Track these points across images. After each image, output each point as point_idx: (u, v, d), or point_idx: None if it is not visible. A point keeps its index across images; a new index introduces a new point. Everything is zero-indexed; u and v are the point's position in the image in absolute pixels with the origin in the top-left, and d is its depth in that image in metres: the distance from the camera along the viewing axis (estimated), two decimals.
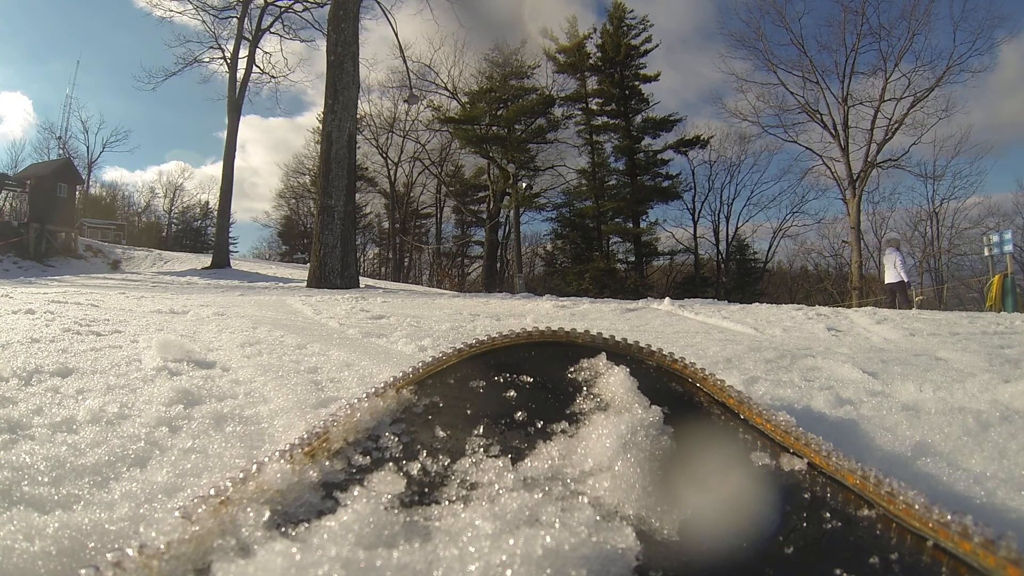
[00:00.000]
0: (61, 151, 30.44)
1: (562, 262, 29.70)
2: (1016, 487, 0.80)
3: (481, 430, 0.72)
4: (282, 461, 0.62)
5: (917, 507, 0.55)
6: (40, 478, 0.80)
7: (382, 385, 0.81)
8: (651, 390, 0.78)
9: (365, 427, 0.72)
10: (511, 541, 0.45)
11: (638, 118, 28.52)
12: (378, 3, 15.21)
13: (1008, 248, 11.57)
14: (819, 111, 24.11)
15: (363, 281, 13.78)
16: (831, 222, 29.19)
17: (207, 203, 40.97)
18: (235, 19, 22.50)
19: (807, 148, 25.36)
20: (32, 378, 1.41)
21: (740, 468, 0.66)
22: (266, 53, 23.80)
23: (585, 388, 0.82)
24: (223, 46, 23.24)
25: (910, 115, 22.73)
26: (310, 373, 1.64)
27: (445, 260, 35.76)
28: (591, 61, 28.51)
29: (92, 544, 0.62)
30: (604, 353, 0.87)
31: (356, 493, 0.57)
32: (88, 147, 36.74)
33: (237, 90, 22.02)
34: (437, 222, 37.49)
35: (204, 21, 22.99)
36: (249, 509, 0.55)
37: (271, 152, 62.11)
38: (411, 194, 36.31)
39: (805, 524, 0.57)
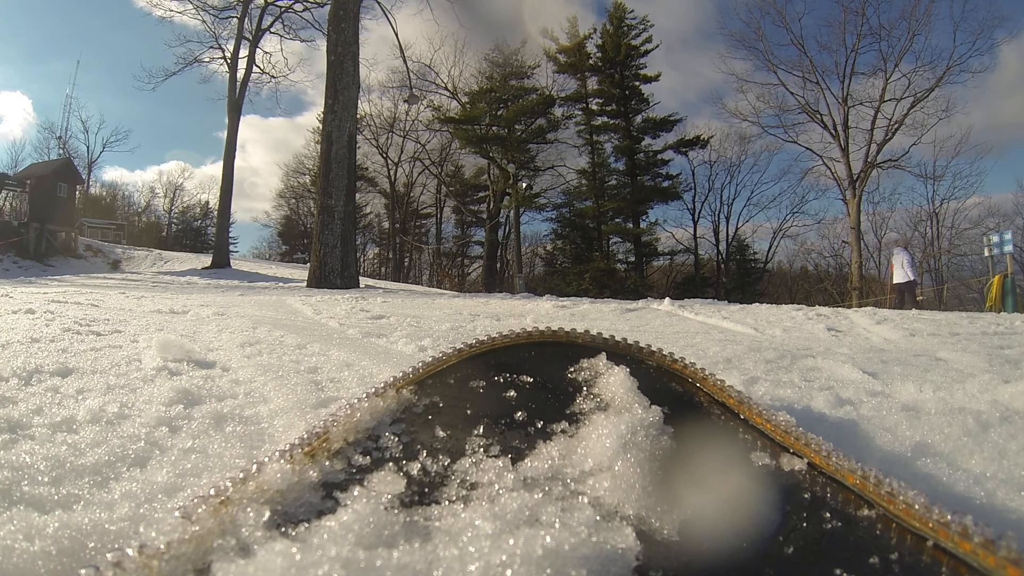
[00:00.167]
0: (61, 151, 30.46)
1: (562, 262, 29.69)
2: (1016, 488, 0.80)
3: (481, 430, 0.72)
4: (282, 461, 0.62)
5: (917, 507, 0.55)
6: (40, 478, 0.80)
7: (382, 385, 0.81)
8: (651, 390, 0.78)
9: (365, 427, 0.72)
10: (511, 541, 0.45)
11: (638, 118, 28.53)
12: (378, 3, 15.23)
13: (1008, 248, 11.57)
14: (819, 111, 24.13)
15: (363, 281, 13.78)
16: (831, 222, 29.24)
17: (207, 203, 41.03)
18: (235, 19, 22.50)
19: (807, 148, 25.39)
20: (32, 378, 1.41)
21: (740, 468, 0.66)
22: (266, 53, 23.83)
23: (585, 388, 0.82)
24: (223, 46, 23.27)
25: (910, 115, 22.75)
26: (310, 373, 1.64)
27: (445, 260, 35.77)
28: (591, 61, 28.51)
29: (92, 544, 0.62)
30: (604, 353, 0.87)
31: (356, 493, 0.57)
32: (88, 147, 36.78)
33: (237, 90, 22.01)
34: (437, 222, 37.52)
35: (204, 21, 23.00)
36: (249, 509, 0.55)
37: (271, 152, 62.19)
38: (411, 194, 36.31)
39: (805, 524, 0.57)
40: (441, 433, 0.72)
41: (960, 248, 25.78)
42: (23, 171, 25.20)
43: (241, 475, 0.59)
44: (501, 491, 0.59)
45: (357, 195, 18.77)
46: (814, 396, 1.36)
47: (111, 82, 58.21)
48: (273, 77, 24.27)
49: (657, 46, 28.35)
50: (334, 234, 11.03)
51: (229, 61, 22.61)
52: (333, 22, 11.67)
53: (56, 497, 0.75)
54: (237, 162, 23.39)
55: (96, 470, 0.84)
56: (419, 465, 0.65)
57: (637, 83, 28.34)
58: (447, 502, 0.59)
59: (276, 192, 40.67)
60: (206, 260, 21.44)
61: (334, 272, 10.91)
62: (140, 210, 42.39)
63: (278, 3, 22.67)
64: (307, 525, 0.53)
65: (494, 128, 27.55)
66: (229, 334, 2.59)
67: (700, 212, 30.73)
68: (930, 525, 0.53)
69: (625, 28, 28.03)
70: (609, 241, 28.90)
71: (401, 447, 0.69)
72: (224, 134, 22.53)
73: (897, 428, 1.08)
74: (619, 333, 0.96)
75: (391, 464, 0.65)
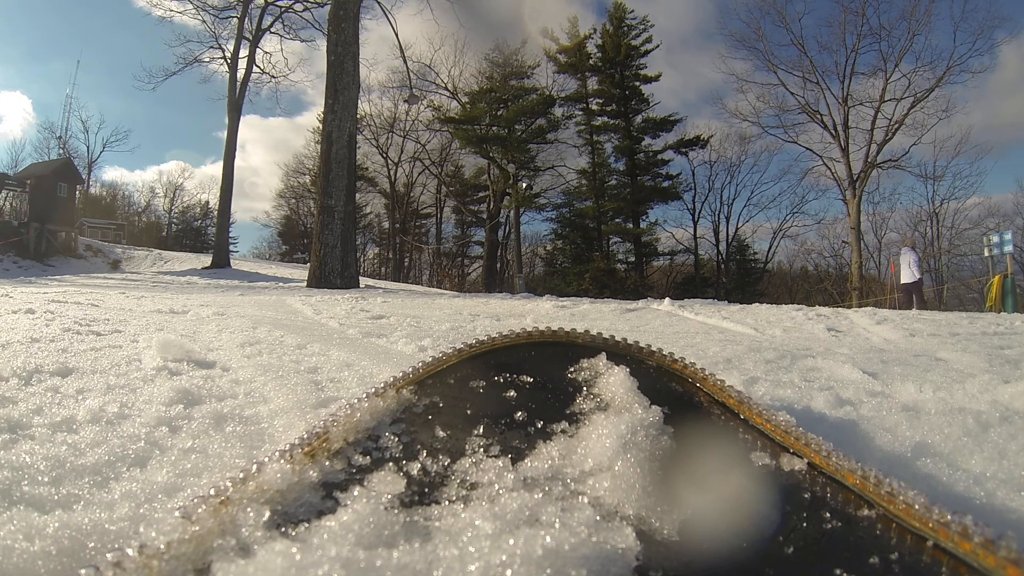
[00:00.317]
0: (61, 151, 30.46)
1: (562, 262, 29.69)
2: (1016, 488, 0.80)
3: (481, 430, 0.72)
4: (282, 461, 0.62)
5: (917, 507, 0.55)
6: (40, 478, 0.80)
7: (382, 385, 0.81)
8: (651, 390, 0.78)
9: (365, 427, 0.72)
10: (511, 541, 0.45)
11: (638, 118, 28.54)
12: (378, 3, 15.23)
13: (1008, 248, 11.57)
14: (819, 111, 24.14)
15: (363, 281, 13.78)
16: (831, 222, 29.23)
17: (207, 203, 41.02)
18: (235, 19, 22.50)
19: (807, 148, 25.40)
20: (32, 378, 1.41)
21: (740, 468, 0.66)
22: (266, 53, 23.83)
23: (585, 388, 0.82)
24: (223, 46, 23.28)
25: (910, 115, 22.75)
26: (310, 373, 1.64)
27: (445, 260, 35.77)
28: (591, 61, 28.51)
29: (92, 544, 0.62)
30: (604, 353, 0.87)
31: (356, 493, 0.57)
32: (88, 147, 36.78)
33: (237, 90, 22.02)
34: (437, 222, 37.52)
35: (204, 21, 23.01)
36: (249, 509, 0.55)
37: (271, 152, 62.19)
38: (411, 194, 36.31)
39: (805, 524, 0.57)
40: (441, 433, 0.72)
41: (960, 248, 25.80)
42: (23, 171, 25.20)
43: (241, 475, 0.59)
44: (501, 491, 0.59)
45: (357, 195, 18.78)
46: (814, 396, 1.36)
47: (111, 82, 58.28)
48: (273, 77, 24.31)
49: (657, 46, 28.40)
50: (334, 234, 11.03)
51: (229, 61, 22.63)
52: (333, 22, 11.68)
53: (56, 497, 0.75)
54: (237, 162, 23.42)
55: (96, 470, 0.84)
56: (419, 465, 0.65)
57: (637, 83, 28.34)
58: (447, 502, 0.59)
59: (276, 192, 40.73)
60: (206, 260, 21.44)
61: (334, 272, 10.91)
62: (140, 210, 42.44)
63: (278, 3, 22.69)
64: (307, 525, 0.53)
65: (494, 128, 27.54)
66: (229, 334, 2.59)
67: (700, 212, 30.78)
68: (930, 525, 0.53)
69: (625, 28, 28.03)
70: (609, 241, 28.91)
71: (401, 447, 0.69)
72: (224, 134, 22.57)
73: (897, 428, 1.08)
74: (619, 333, 0.96)
75: (391, 464, 0.65)
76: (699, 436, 0.73)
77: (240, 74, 22.25)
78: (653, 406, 0.73)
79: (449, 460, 0.66)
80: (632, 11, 28.11)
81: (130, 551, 0.47)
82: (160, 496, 0.76)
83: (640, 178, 28.16)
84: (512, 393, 0.80)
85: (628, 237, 28.46)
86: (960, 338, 3.11)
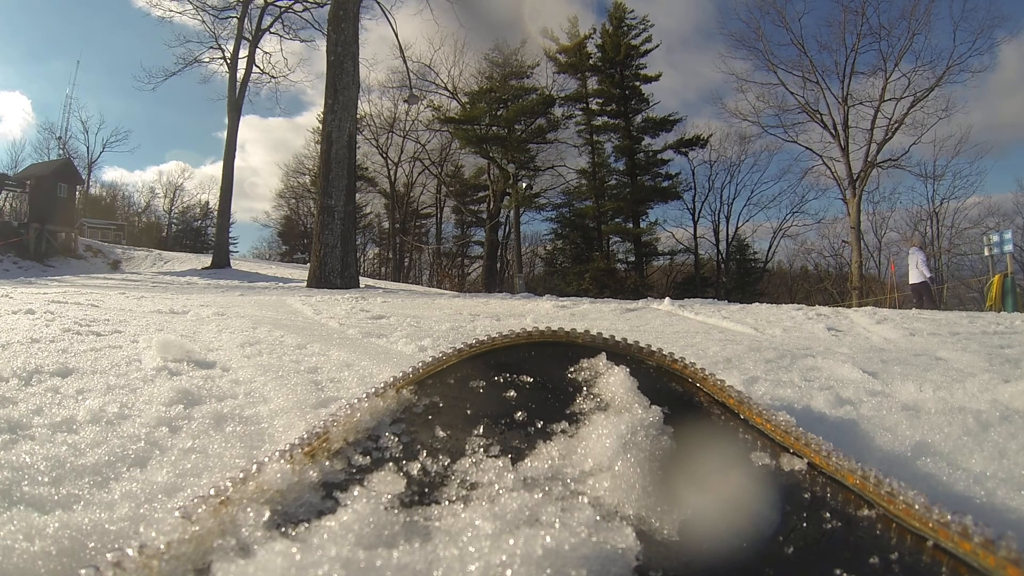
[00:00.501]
0: (61, 151, 30.47)
1: (562, 262, 29.69)
2: (1016, 487, 0.80)
3: (481, 430, 0.72)
4: (282, 461, 0.62)
5: (917, 507, 0.55)
6: (40, 478, 0.80)
7: (382, 385, 0.81)
8: (651, 390, 0.78)
9: (365, 427, 0.72)
10: (511, 541, 0.45)
11: (638, 118, 28.53)
12: (378, 3, 15.23)
13: (1008, 248, 11.57)
14: (819, 111, 24.13)
15: (363, 281, 13.78)
16: (831, 222, 29.23)
17: (207, 203, 41.01)
18: (235, 19, 22.50)
19: (807, 148, 25.39)
20: (32, 378, 1.41)
21: (740, 468, 0.66)
22: (266, 53, 23.83)
23: (585, 388, 0.82)
24: (223, 46, 23.28)
25: (910, 115, 22.75)
26: (310, 373, 1.64)
27: (445, 260, 35.76)
28: (591, 61, 28.51)
29: (92, 544, 0.62)
30: (604, 353, 0.87)
31: (356, 493, 0.57)
32: (88, 147, 36.77)
33: (237, 90, 22.02)
34: (437, 222, 37.51)
35: (204, 21, 23.01)
36: (249, 509, 0.55)
37: (271, 152, 62.16)
38: (411, 194, 36.31)
39: (805, 524, 0.57)
40: (441, 433, 0.72)
41: (960, 247, 25.80)
42: (23, 171, 25.21)
43: (241, 475, 0.59)
44: (501, 491, 0.59)
45: (357, 195, 18.78)
46: (814, 396, 1.36)
47: (111, 82, 58.27)
48: (273, 77, 24.31)
49: (657, 46, 28.40)
50: (334, 234, 11.03)
51: (229, 61, 22.63)
52: (333, 22, 11.68)
53: (56, 497, 0.75)
54: (237, 162, 23.43)
55: (96, 470, 0.84)
56: (419, 465, 0.65)
57: (637, 83, 28.33)
58: (447, 502, 0.59)
59: (276, 192, 40.72)
60: (206, 260, 21.45)
61: (334, 272, 10.91)
62: (140, 210, 42.43)
63: (278, 3, 22.69)
64: (307, 525, 0.53)
65: (494, 128, 27.54)
66: (229, 334, 2.59)
67: (700, 212, 30.78)
68: (930, 525, 0.53)
69: (625, 28, 28.02)
70: (609, 241, 28.90)
71: (401, 447, 0.69)
72: (224, 134, 22.56)
73: (897, 428, 1.08)
74: (619, 333, 0.96)
75: (391, 464, 0.65)
76: (699, 436, 0.73)
77: (240, 74, 22.28)
78: (653, 406, 0.73)
79: (449, 460, 0.66)
80: (632, 11, 28.14)
81: (130, 551, 0.47)
82: (160, 496, 0.76)
83: (640, 178, 28.15)
84: (512, 393, 0.80)
85: (628, 237, 28.46)
86: (960, 337, 3.11)
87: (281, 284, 12.64)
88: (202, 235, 41.53)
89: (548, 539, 0.45)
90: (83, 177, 30.87)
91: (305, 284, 11.28)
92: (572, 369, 0.86)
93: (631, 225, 27.98)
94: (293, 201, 39.12)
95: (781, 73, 24.49)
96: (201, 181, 59.68)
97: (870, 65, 23.75)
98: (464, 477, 0.63)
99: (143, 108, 61.87)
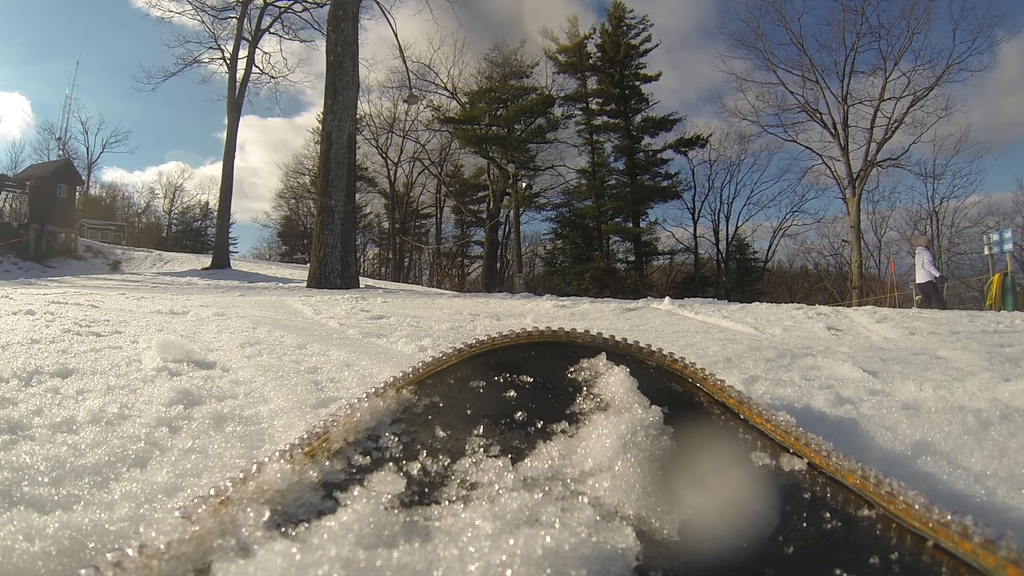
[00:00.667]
0: (61, 152, 30.48)
1: (562, 262, 29.67)
2: (1016, 485, 0.80)
3: (481, 430, 0.72)
4: (282, 461, 0.62)
5: (917, 507, 0.55)
6: (40, 478, 0.80)
7: (382, 385, 0.81)
8: (651, 390, 0.78)
9: (365, 427, 0.72)
10: (511, 541, 0.45)
11: (638, 118, 28.51)
12: (377, 3, 15.24)
13: (1008, 247, 11.57)
14: (819, 110, 24.13)
15: (363, 281, 13.78)
16: (831, 221, 29.24)
17: (207, 203, 40.98)
18: (234, 19, 22.51)
19: (807, 147, 25.40)
20: (32, 379, 1.41)
21: (740, 468, 0.66)
22: (265, 53, 23.83)
23: (585, 388, 0.82)
24: (222, 46, 23.27)
25: (910, 114, 22.76)
26: (310, 373, 1.64)
27: (445, 260, 35.76)
28: (591, 61, 28.50)
29: (92, 544, 0.62)
30: (604, 353, 0.87)
31: (356, 493, 0.57)
32: (88, 148, 36.75)
33: (236, 90, 22.02)
34: (437, 222, 37.51)
35: (203, 21, 23.00)
36: (249, 509, 0.55)
37: (270, 152, 62.16)
38: (411, 194, 36.30)
39: (805, 524, 0.57)
40: (441, 433, 0.72)
41: (960, 246, 25.82)
42: (23, 172, 25.22)
43: (241, 475, 0.59)
44: (501, 491, 0.59)
45: (357, 195, 18.78)
46: (814, 395, 1.36)
47: (110, 83, 58.24)
48: (272, 77, 24.29)
49: (656, 45, 28.36)
50: (334, 234, 11.03)
51: (228, 61, 22.62)
52: (332, 22, 11.67)
53: (56, 497, 0.75)
54: (237, 162, 23.41)
55: (96, 470, 0.84)
56: (419, 465, 0.65)
57: (637, 82, 28.32)
58: (447, 502, 0.59)
59: (276, 192, 40.73)
60: (206, 261, 21.45)
61: (334, 272, 10.91)
62: (140, 211, 42.40)
63: (277, 3, 22.69)
64: (307, 525, 0.53)
65: (494, 128, 27.52)
66: (229, 334, 2.59)
67: (700, 211, 30.78)
68: (930, 525, 0.53)
69: (625, 27, 28.00)
70: (609, 241, 28.90)
71: (401, 447, 0.69)
72: (223, 134, 22.57)
73: (897, 426, 1.08)
74: (619, 332, 0.96)
75: (391, 464, 0.65)
76: (699, 436, 0.73)
77: (239, 74, 22.28)
78: (653, 406, 0.73)
79: (449, 460, 0.66)
80: (631, 10, 28.11)
81: (130, 551, 0.47)
82: (160, 496, 0.76)
83: (640, 177, 28.14)
84: (512, 393, 0.80)
85: (628, 236, 28.45)
86: (960, 336, 3.11)
87: (281, 284, 12.64)
88: (202, 235, 41.51)
89: (548, 539, 0.45)
90: (83, 178, 30.89)
91: (305, 284, 11.28)
92: (572, 369, 0.86)
93: (631, 225, 27.97)
94: (293, 201, 39.16)
95: (781, 72, 24.52)
96: (201, 181, 59.66)
97: (870, 64, 23.79)
98: (464, 477, 0.63)
99: (143, 108, 61.89)
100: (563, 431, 0.72)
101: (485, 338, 0.92)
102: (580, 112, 29.10)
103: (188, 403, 1.24)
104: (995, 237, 11.97)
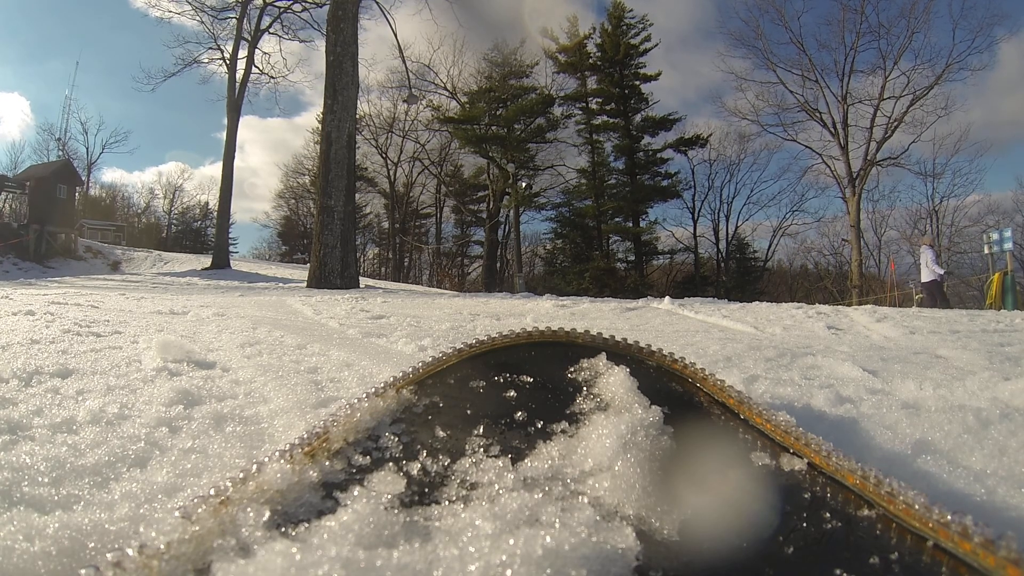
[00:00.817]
0: (60, 152, 30.45)
1: (562, 262, 29.67)
2: (1016, 485, 0.80)
3: (481, 430, 0.72)
4: (282, 461, 0.62)
5: (917, 507, 0.55)
6: (40, 479, 0.80)
7: (382, 385, 0.81)
8: (651, 390, 0.78)
9: (365, 427, 0.72)
10: (511, 541, 0.45)
11: (638, 117, 28.50)
12: (377, 3, 15.22)
13: (1008, 246, 11.58)
14: (818, 110, 24.13)
15: (363, 281, 13.78)
16: (831, 220, 29.22)
17: (207, 204, 40.96)
18: (234, 19, 22.49)
19: (807, 147, 25.40)
20: (32, 379, 1.41)
21: (740, 468, 0.66)
22: (265, 54, 23.79)
23: (585, 388, 0.82)
24: (222, 47, 23.25)
25: (910, 113, 22.76)
26: (310, 373, 1.64)
27: (445, 260, 35.75)
28: (591, 60, 28.48)
29: (92, 544, 0.62)
30: (604, 353, 0.87)
31: (356, 493, 0.57)
32: (87, 148, 36.74)
33: (236, 90, 22.00)
34: (437, 222, 37.49)
35: (202, 22, 22.98)
36: (249, 509, 0.55)
37: (270, 152, 62.10)
38: (411, 194, 36.29)
39: (805, 524, 0.57)
40: (441, 433, 0.72)
41: (960, 246, 25.82)
42: (22, 173, 25.22)
43: (241, 475, 0.59)
44: (501, 491, 0.59)
45: (357, 195, 18.79)
46: (814, 394, 1.36)
47: (110, 83, 58.17)
48: (272, 77, 24.27)
49: (656, 45, 28.34)
50: (334, 234, 11.03)
51: (228, 62, 22.60)
52: (332, 22, 11.67)
53: (56, 498, 0.75)
54: (236, 163, 23.40)
55: (96, 470, 0.84)
56: (419, 465, 0.65)
57: (637, 82, 28.30)
58: (447, 502, 0.59)
59: (276, 192, 40.71)
60: (206, 261, 21.44)
61: (334, 272, 10.91)
62: (140, 211, 42.37)
63: (277, 3, 22.67)
64: (307, 525, 0.53)
65: (493, 128, 27.52)
66: (229, 335, 2.59)
67: (700, 211, 30.77)
68: (930, 525, 0.53)
69: (624, 27, 27.99)
70: (609, 240, 28.89)
71: (401, 447, 0.69)
72: (223, 135, 22.56)
73: (897, 426, 1.08)
74: (619, 332, 0.96)
75: (391, 464, 0.65)
76: (699, 436, 0.73)
77: (239, 75, 22.26)
78: (653, 406, 0.73)
79: (449, 460, 0.66)
80: (631, 10, 28.08)
81: (130, 551, 0.47)
82: (160, 496, 0.76)
83: (640, 177, 28.13)
84: (512, 393, 0.80)
85: (628, 236, 28.43)
86: (960, 335, 3.11)
87: (281, 284, 12.64)
88: (202, 236, 41.49)
89: (548, 539, 0.45)
90: (83, 178, 30.88)
91: (305, 284, 11.28)
92: (572, 369, 0.86)
93: (631, 224, 27.96)
94: (293, 201, 39.15)
95: (780, 72, 24.52)
96: (201, 182, 59.61)
97: (869, 63, 23.79)
98: (464, 477, 0.63)
99: (142, 109, 61.86)
100: (563, 431, 0.72)
101: (485, 338, 0.92)
102: (580, 112, 29.11)
103: (188, 403, 1.24)
104: (995, 236, 11.98)
